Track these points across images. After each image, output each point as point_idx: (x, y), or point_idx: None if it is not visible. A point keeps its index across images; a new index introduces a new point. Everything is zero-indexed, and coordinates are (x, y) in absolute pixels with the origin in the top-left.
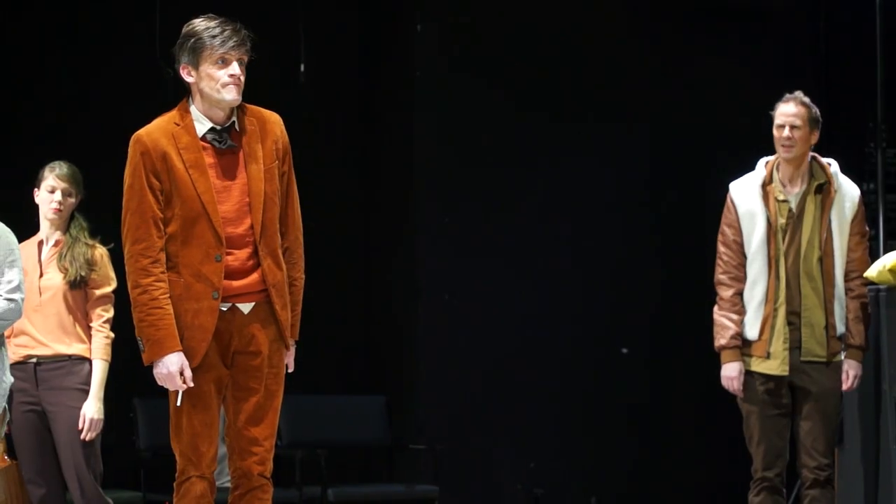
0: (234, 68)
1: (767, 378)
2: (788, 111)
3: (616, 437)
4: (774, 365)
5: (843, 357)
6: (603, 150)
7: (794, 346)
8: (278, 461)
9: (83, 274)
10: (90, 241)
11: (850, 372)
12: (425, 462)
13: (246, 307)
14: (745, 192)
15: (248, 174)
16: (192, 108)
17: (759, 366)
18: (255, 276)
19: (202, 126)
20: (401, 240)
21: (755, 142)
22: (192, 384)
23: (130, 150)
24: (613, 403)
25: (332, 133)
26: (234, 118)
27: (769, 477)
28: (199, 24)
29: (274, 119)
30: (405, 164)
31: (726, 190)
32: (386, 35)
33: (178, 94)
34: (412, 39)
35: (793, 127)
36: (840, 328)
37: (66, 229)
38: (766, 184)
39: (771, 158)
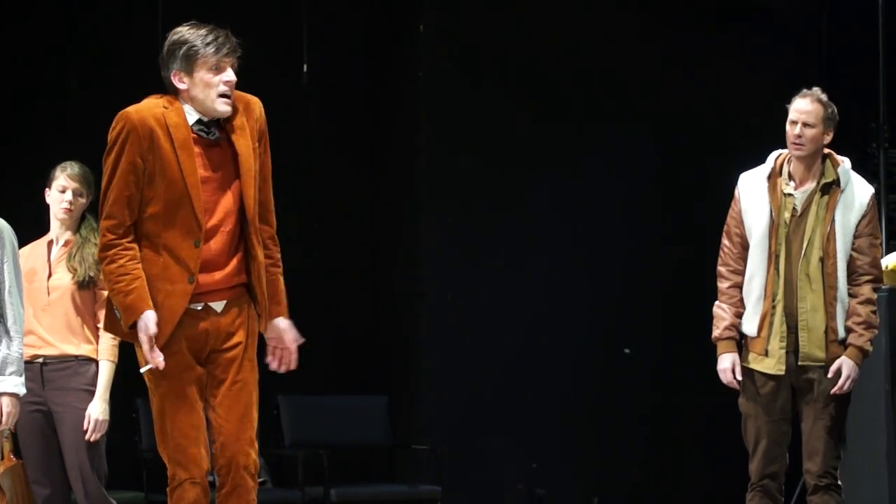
0: (230, 74)
1: (767, 378)
2: (802, 108)
3: (618, 438)
4: (771, 363)
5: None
6: (607, 150)
7: (791, 349)
8: (280, 461)
9: (92, 275)
10: None
11: (843, 370)
12: (428, 462)
13: (218, 305)
14: (751, 184)
15: (238, 152)
16: (181, 102)
17: (757, 363)
18: (228, 270)
19: (190, 116)
20: (404, 240)
21: (758, 141)
22: (162, 364)
23: (116, 125)
24: (616, 404)
25: (335, 133)
26: None
27: (764, 483)
28: (189, 31)
29: (255, 101)
30: (409, 165)
31: (730, 189)
32: (389, 35)
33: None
34: (416, 39)
35: (805, 125)
36: (841, 332)
37: (76, 229)
38: (773, 176)
39: (784, 152)
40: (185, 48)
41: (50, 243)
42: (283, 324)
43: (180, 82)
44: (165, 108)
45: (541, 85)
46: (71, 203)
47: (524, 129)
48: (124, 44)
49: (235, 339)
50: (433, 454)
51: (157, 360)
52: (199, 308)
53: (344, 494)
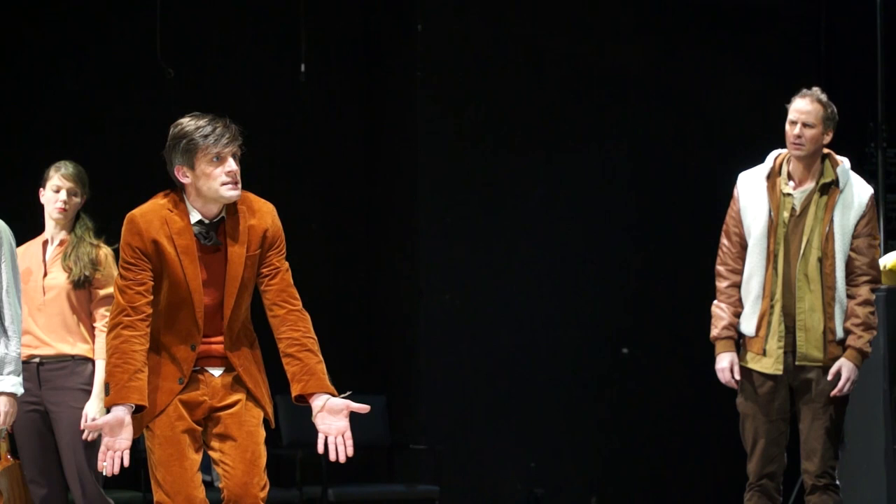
0: (231, 164)
1: (765, 378)
2: (802, 108)
3: (617, 438)
4: (769, 363)
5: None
6: (607, 149)
7: (788, 349)
8: (278, 461)
9: (87, 274)
10: (95, 241)
11: (843, 373)
12: (426, 462)
13: (216, 371)
14: (750, 183)
15: (228, 258)
16: (186, 201)
17: (755, 363)
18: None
19: (193, 217)
20: (403, 239)
21: (758, 141)
22: (107, 471)
23: (124, 228)
24: (614, 403)
25: (333, 133)
26: (224, 213)
27: (762, 483)
28: (188, 123)
29: (266, 209)
30: (407, 164)
31: (725, 190)
32: (387, 35)
33: (178, 96)
34: (414, 39)
35: (805, 125)
36: (839, 332)
37: (71, 229)
38: (773, 176)
39: (784, 151)
40: (184, 142)
41: (45, 243)
42: (319, 405)
43: (184, 177)
44: (170, 210)
45: (540, 83)
46: (65, 202)
47: (523, 129)
48: (124, 45)
49: (235, 397)
50: (431, 454)
51: (101, 462)
52: (196, 369)
53: (342, 494)
